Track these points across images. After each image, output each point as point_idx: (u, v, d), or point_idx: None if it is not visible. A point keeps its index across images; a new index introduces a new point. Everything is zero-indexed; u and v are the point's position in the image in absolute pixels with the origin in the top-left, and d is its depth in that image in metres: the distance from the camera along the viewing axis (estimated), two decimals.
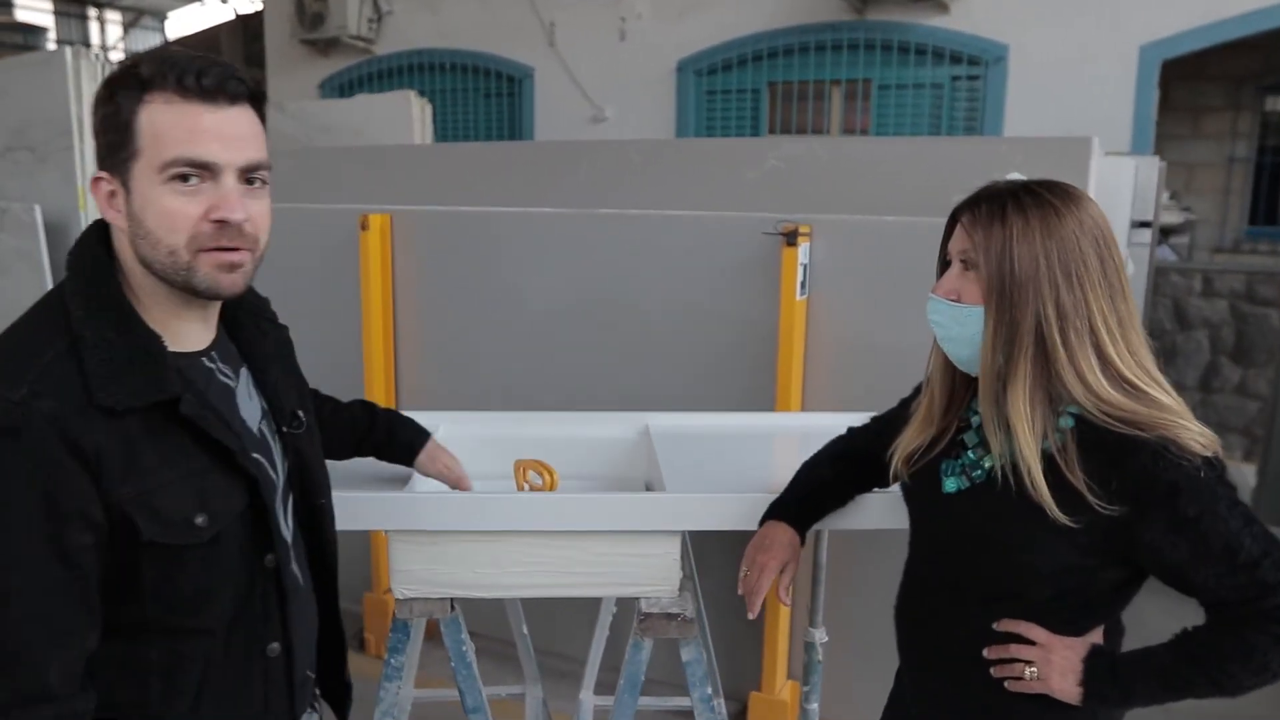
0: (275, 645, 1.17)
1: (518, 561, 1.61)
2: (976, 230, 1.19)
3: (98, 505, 0.98)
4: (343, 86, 8.63)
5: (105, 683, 1.04)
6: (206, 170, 1.03)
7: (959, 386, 1.31)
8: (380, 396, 3.17)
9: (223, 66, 1.05)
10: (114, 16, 23.59)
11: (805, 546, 1.54)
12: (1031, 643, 1.24)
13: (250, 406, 1.18)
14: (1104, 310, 1.16)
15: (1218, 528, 1.13)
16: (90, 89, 4.19)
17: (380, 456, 1.67)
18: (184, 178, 1.02)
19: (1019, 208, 1.17)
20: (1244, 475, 5.29)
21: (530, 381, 2.98)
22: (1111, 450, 1.14)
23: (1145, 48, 6.02)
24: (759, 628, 2.76)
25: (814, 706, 1.99)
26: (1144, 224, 3.98)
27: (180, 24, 22.70)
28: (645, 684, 2.60)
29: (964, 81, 6.58)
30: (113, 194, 1.04)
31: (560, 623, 3.06)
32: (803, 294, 2.51)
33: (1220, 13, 5.89)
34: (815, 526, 1.62)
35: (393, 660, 1.69)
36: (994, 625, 1.25)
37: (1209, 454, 1.14)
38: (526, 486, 1.81)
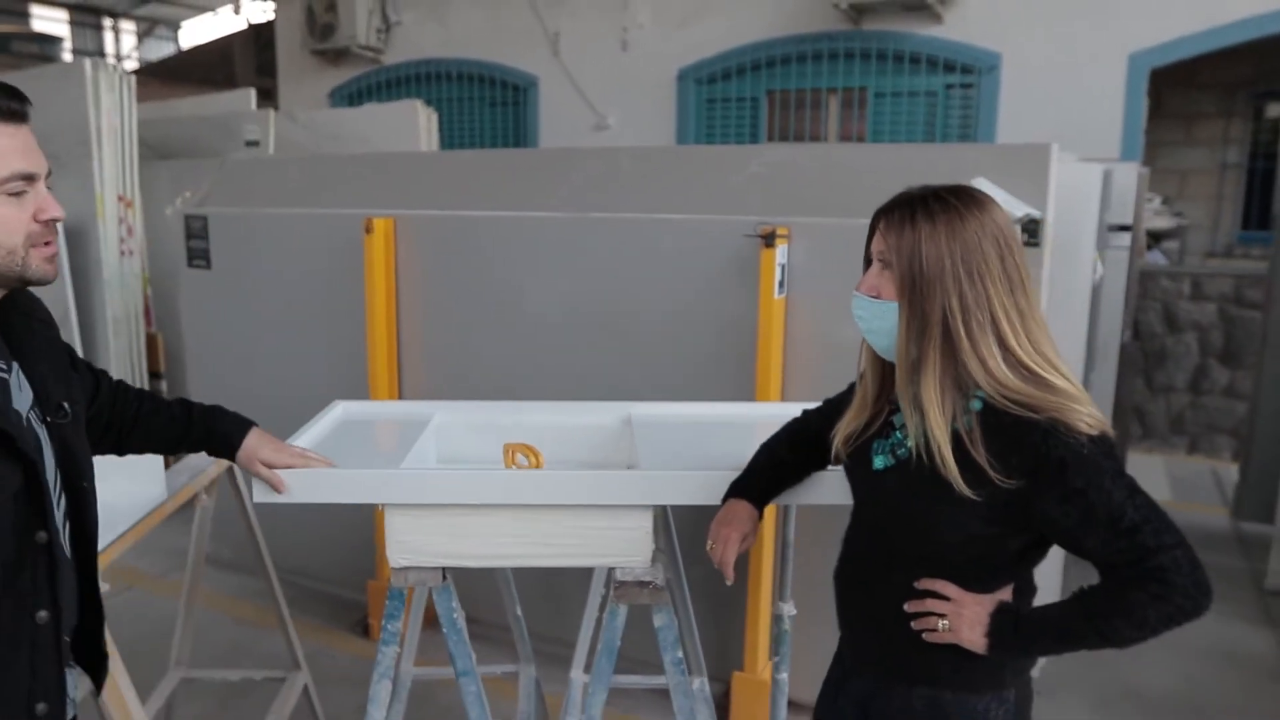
0: (44, 614, 1.27)
1: (504, 533, 1.76)
2: (890, 233, 1.33)
3: None
4: (352, 95, 8.81)
5: None
6: (29, 180, 1.19)
7: (889, 374, 1.44)
8: (383, 392, 3.32)
9: (13, 88, 1.19)
10: (128, 26, 23.92)
11: (776, 524, 1.68)
12: (947, 599, 1.38)
13: (21, 398, 1.27)
14: (1004, 303, 1.29)
15: (1103, 498, 1.26)
16: (109, 99, 4.37)
17: (206, 452, 1.71)
18: (17, 191, 1.17)
19: (927, 213, 1.31)
20: (1232, 475, 5.40)
21: (526, 377, 3.13)
22: (1009, 431, 1.28)
23: (1134, 56, 6.15)
24: (741, 613, 2.90)
25: (784, 676, 2.13)
26: (1123, 228, 4.10)
27: (193, 34, 23.00)
28: (635, 664, 2.74)
29: (958, 89, 6.71)
30: None
31: (555, 608, 3.20)
32: (781, 293, 2.65)
33: (1208, 22, 6.01)
34: (781, 503, 1.77)
35: (389, 626, 1.83)
36: (914, 584, 1.40)
37: (1095, 433, 1.27)
38: (515, 468, 1.96)
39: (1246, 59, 7.30)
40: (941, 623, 1.37)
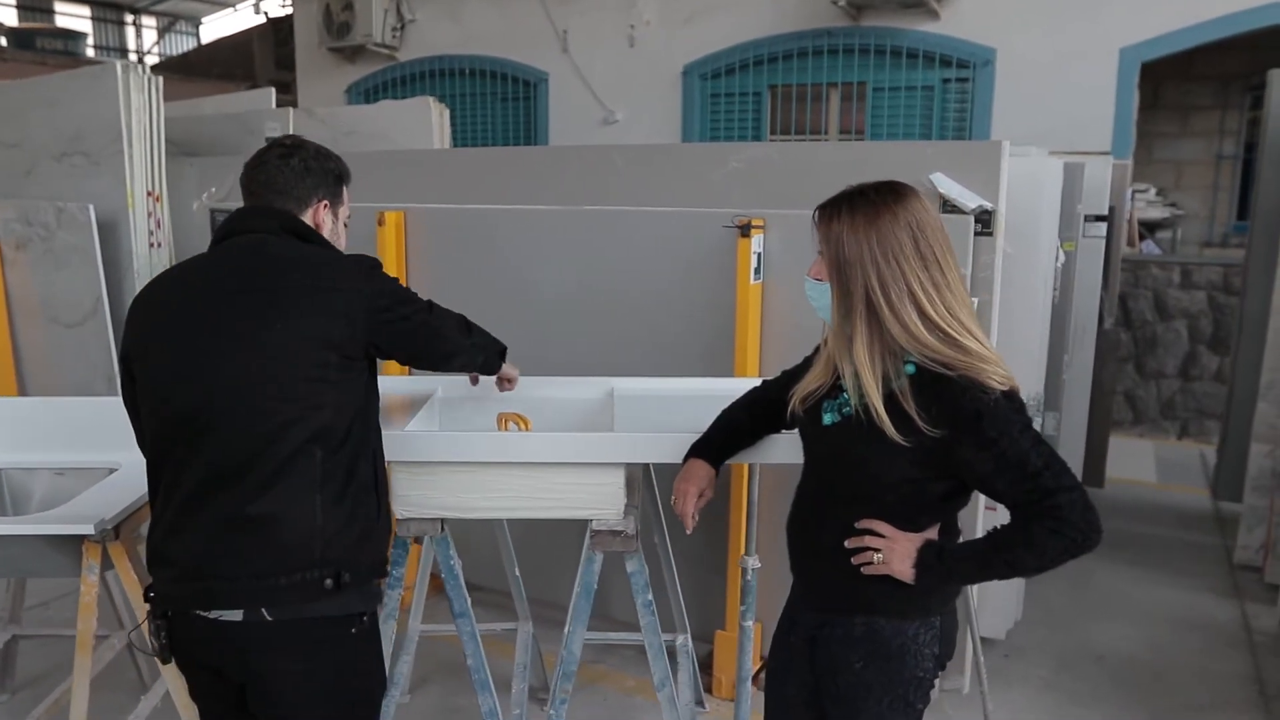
0: None
1: (494, 488, 1.99)
2: (821, 226, 1.59)
3: None
4: (368, 91, 9.06)
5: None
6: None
7: None
8: (393, 370, 3.56)
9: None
10: (149, 22, 24.31)
11: (741, 485, 1.90)
12: (882, 536, 1.60)
13: None
14: (920, 279, 1.52)
15: (1013, 446, 1.49)
16: (138, 100, 4.63)
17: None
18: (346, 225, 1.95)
19: (850, 208, 1.55)
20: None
21: (525, 356, 3.34)
22: (932, 387, 1.51)
23: (1125, 50, 6.29)
24: (723, 578, 3.12)
25: (749, 624, 2.36)
26: (1100, 218, 4.28)
27: (213, 29, 23.37)
28: (622, 625, 2.97)
29: (954, 84, 6.87)
30: (323, 217, 1.85)
31: (554, 574, 3.43)
32: (757, 279, 2.87)
33: (1198, 16, 6.14)
34: (738, 462, 2.00)
35: (394, 572, 2.08)
36: (854, 524, 1.62)
37: (1005, 388, 1.50)
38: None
39: (1240, 51, 7.40)
40: (876, 556, 1.60)
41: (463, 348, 1.98)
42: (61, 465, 2.47)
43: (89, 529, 2.02)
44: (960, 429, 1.49)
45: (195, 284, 1.72)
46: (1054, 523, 1.48)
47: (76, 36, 18.64)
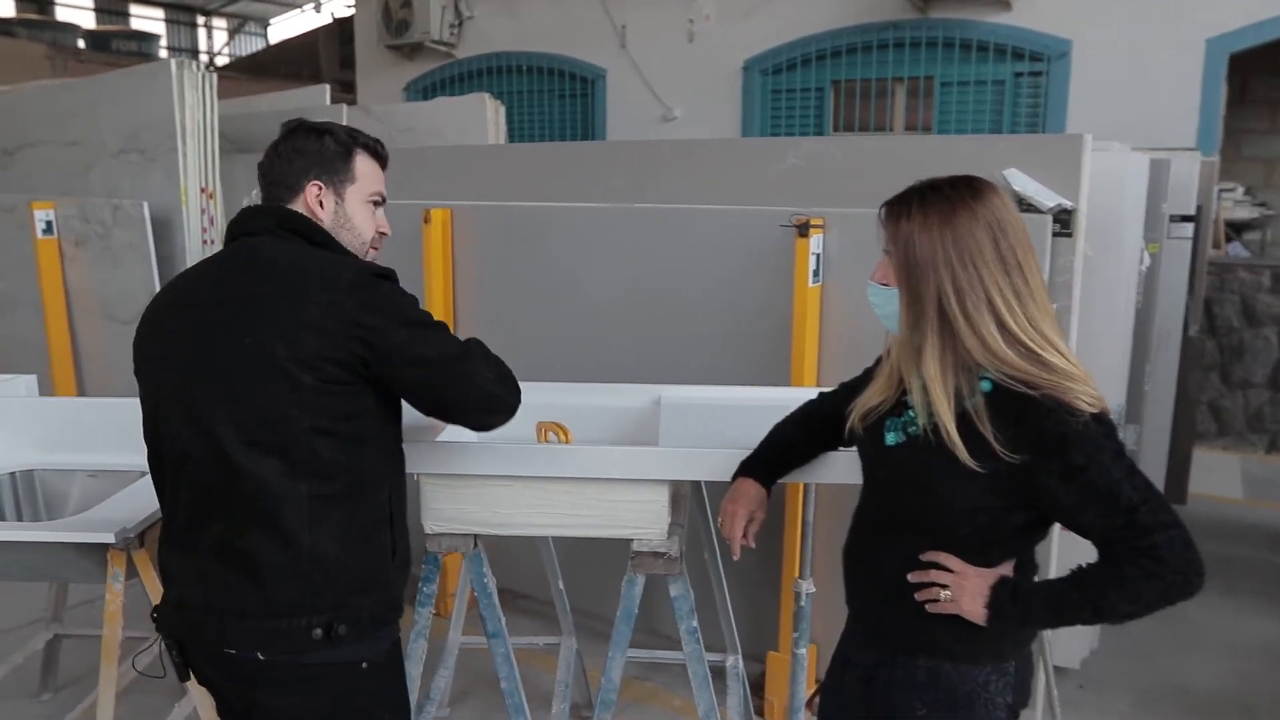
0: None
1: (531, 504, 1.87)
2: (890, 224, 1.42)
3: None
4: (426, 89, 9.06)
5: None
6: (380, 202, 1.69)
7: None
8: None
9: (380, 141, 1.71)
10: (220, 24, 24.90)
11: (795, 503, 1.75)
12: (950, 570, 1.43)
13: None
14: (999, 285, 1.35)
15: (1103, 476, 1.31)
16: (193, 98, 4.63)
17: None
18: (375, 202, 1.67)
19: (921, 204, 1.38)
20: None
21: (574, 358, 3.23)
22: (1011, 407, 1.34)
23: (1212, 41, 5.94)
24: (776, 596, 2.96)
25: (803, 652, 2.20)
26: (1186, 218, 4.01)
27: (281, 29, 23.79)
28: (670, 643, 2.82)
29: (1027, 78, 6.55)
30: (322, 199, 1.61)
31: (604, 585, 3.31)
32: (816, 281, 2.71)
33: None
34: (791, 481, 1.84)
35: (425, 588, 1.97)
36: (919, 557, 1.46)
37: (1095, 410, 1.33)
38: (546, 444, 2.07)
39: None
40: (944, 593, 1.43)
41: (497, 404, 1.63)
42: (95, 468, 2.42)
43: (110, 537, 1.95)
44: (1043, 455, 1.32)
45: (187, 293, 1.60)
46: (1151, 564, 1.30)
47: (150, 38, 19.13)
